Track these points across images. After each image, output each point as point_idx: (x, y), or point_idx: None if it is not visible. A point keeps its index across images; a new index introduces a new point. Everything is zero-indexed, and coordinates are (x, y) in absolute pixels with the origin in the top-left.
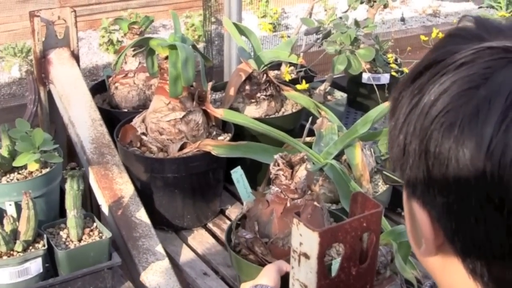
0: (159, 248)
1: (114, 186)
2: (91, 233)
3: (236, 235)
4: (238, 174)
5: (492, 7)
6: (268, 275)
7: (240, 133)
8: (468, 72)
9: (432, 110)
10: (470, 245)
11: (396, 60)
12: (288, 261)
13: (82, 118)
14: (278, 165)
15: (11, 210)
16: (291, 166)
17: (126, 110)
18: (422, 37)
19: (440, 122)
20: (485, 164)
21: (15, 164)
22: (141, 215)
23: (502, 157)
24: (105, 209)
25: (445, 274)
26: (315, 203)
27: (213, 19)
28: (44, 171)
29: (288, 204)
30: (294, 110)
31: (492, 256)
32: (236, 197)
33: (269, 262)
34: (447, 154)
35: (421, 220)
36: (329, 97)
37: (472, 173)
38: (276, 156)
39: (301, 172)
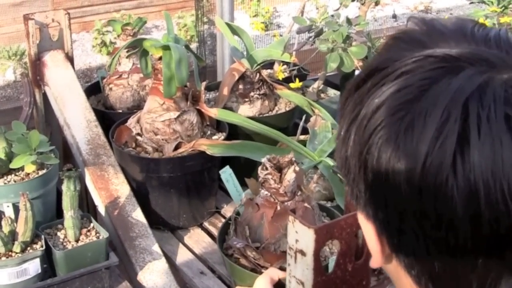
0: (156, 248)
1: (110, 186)
2: (88, 233)
3: (227, 243)
4: (227, 174)
5: (484, 2)
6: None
7: (234, 132)
8: (407, 82)
9: (370, 123)
10: (413, 260)
11: None
12: (280, 267)
13: (78, 120)
14: (266, 168)
15: (8, 212)
16: (279, 169)
17: (120, 111)
18: None
19: (377, 137)
20: (420, 182)
21: (12, 166)
22: (138, 215)
23: (437, 175)
24: (101, 209)
25: (398, 281)
26: (306, 204)
27: (205, 19)
28: (40, 172)
29: (278, 208)
30: (287, 109)
31: (435, 271)
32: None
33: (262, 267)
34: (384, 170)
35: (366, 232)
36: (322, 95)
37: (408, 191)
38: (263, 160)
39: (289, 175)
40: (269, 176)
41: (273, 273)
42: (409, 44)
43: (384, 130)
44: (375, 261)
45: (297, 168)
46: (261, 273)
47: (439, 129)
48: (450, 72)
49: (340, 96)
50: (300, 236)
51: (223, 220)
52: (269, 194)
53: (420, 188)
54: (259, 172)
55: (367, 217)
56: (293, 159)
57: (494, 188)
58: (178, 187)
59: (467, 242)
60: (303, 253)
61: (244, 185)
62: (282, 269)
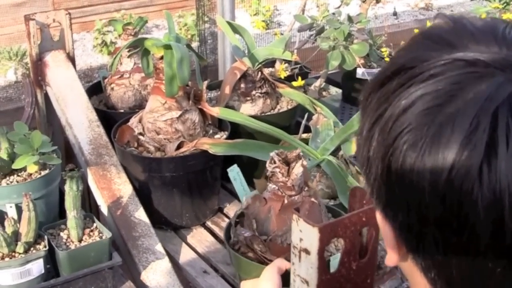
0: (159, 247)
1: (112, 186)
2: (91, 233)
3: (235, 233)
4: (234, 172)
5: None
6: (269, 278)
7: (236, 131)
8: (436, 87)
9: (395, 126)
10: (431, 264)
11: (390, 54)
12: (287, 258)
13: (79, 120)
14: (274, 162)
15: (11, 212)
16: (287, 163)
17: (122, 110)
18: (416, 31)
19: (403, 140)
20: (445, 189)
21: (14, 166)
22: (140, 214)
23: (463, 184)
24: (104, 209)
25: (413, 280)
26: (313, 199)
27: (206, 18)
28: (43, 172)
29: (286, 201)
30: (289, 107)
31: (452, 276)
32: (234, 195)
33: (269, 260)
34: (408, 175)
35: (384, 231)
36: (324, 93)
37: (432, 197)
38: (272, 154)
39: (297, 169)
40: (277, 170)
41: (281, 263)
42: (438, 43)
43: (410, 134)
44: (391, 260)
45: (304, 163)
46: (267, 265)
47: (468, 137)
48: (480, 78)
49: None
50: (304, 234)
51: (226, 220)
52: (276, 187)
53: (444, 194)
54: (267, 166)
55: (386, 217)
56: (301, 154)
57: None
58: (181, 186)
59: (487, 251)
60: (307, 252)
61: (249, 184)
62: (289, 261)
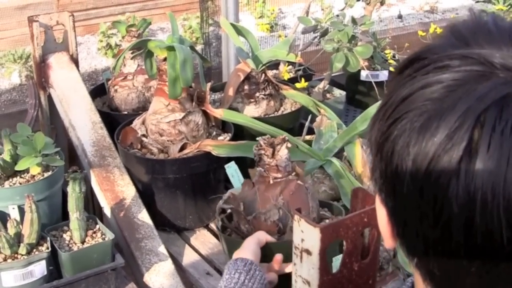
0: (162, 249)
1: (115, 188)
2: (94, 235)
3: (218, 210)
4: (232, 169)
5: (489, 1)
6: (248, 247)
7: (239, 133)
8: (436, 80)
9: (393, 113)
10: (413, 252)
11: (394, 56)
12: (269, 233)
13: (83, 121)
14: (261, 146)
15: (14, 214)
16: (273, 146)
17: (126, 112)
18: (420, 33)
19: (396, 128)
20: (423, 181)
21: (17, 168)
22: (143, 216)
23: (441, 178)
24: (107, 211)
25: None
26: (299, 182)
27: (210, 21)
28: (46, 174)
29: (271, 182)
30: (293, 109)
31: (431, 269)
32: None
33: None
34: (394, 162)
35: (379, 214)
36: (328, 95)
37: (412, 187)
38: (258, 138)
39: (282, 151)
40: (262, 152)
41: (261, 235)
42: (456, 38)
43: (402, 123)
44: (387, 243)
45: (289, 145)
46: None
47: (451, 133)
48: (481, 77)
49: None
50: (306, 235)
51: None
52: (263, 170)
53: (422, 186)
54: (253, 150)
55: (381, 201)
56: (286, 138)
57: (491, 203)
58: (184, 188)
59: (460, 248)
60: (309, 253)
61: None
62: (271, 234)
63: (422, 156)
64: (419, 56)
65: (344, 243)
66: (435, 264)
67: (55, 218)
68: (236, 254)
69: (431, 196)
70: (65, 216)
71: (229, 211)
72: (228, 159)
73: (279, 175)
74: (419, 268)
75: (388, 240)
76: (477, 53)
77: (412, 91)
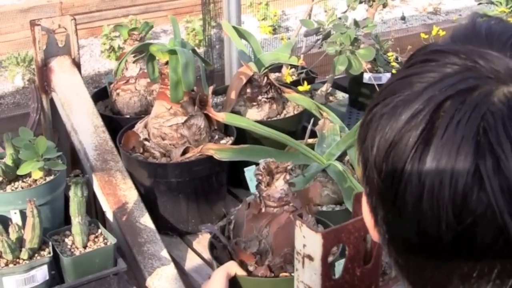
0: (164, 253)
1: (118, 192)
2: (96, 239)
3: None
4: (251, 173)
5: (492, 3)
6: (216, 281)
7: (242, 136)
8: (416, 71)
9: (373, 100)
10: (384, 242)
11: (397, 59)
12: (246, 263)
13: (85, 125)
14: (259, 170)
15: (16, 218)
16: (271, 174)
17: (128, 116)
18: (423, 35)
19: (371, 113)
20: (382, 165)
21: (19, 172)
22: (146, 220)
23: (398, 163)
24: (109, 215)
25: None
26: (291, 216)
27: (213, 23)
28: (48, 178)
29: (263, 210)
30: (295, 112)
31: (398, 261)
32: (240, 200)
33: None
34: (366, 146)
35: (364, 205)
36: (330, 98)
37: (374, 171)
38: (260, 161)
39: (279, 182)
40: (260, 177)
41: (230, 267)
42: (452, 40)
43: (375, 108)
44: (372, 235)
45: (287, 177)
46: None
47: (409, 120)
48: (458, 73)
49: None
50: (308, 241)
51: None
52: (258, 195)
53: (381, 169)
54: (255, 171)
55: (365, 192)
56: (289, 167)
57: (437, 191)
58: (186, 192)
59: (411, 238)
60: (310, 258)
61: None
62: (247, 264)
63: (383, 141)
64: (415, 52)
65: (346, 248)
66: (400, 258)
67: (57, 223)
68: (204, 287)
69: (389, 181)
70: (67, 220)
71: (219, 224)
72: (231, 164)
73: (274, 204)
74: (392, 261)
75: (372, 232)
76: (458, 50)
77: (393, 80)
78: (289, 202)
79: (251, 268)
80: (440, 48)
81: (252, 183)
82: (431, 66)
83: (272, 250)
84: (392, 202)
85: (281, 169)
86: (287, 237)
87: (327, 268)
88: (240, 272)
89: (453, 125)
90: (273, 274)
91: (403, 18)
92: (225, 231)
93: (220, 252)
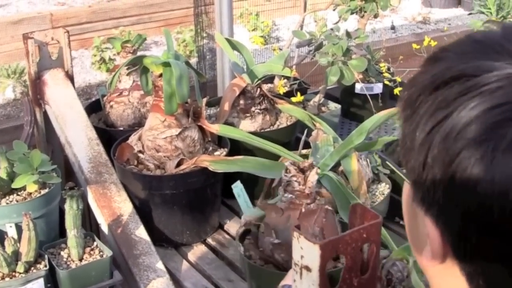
0: (160, 265)
1: (112, 204)
2: (91, 252)
3: (261, 243)
4: (238, 189)
5: (482, 12)
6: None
7: (236, 147)
8: (504, 99)
9: (462, 136)
10: (480, 271)
11: (388, 69)
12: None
13: (79, 138)
14: (290, 171)
15: (11, 232)
16: (303, 171)
17: (122, 128)
18: (414, 46)
19: (471, 150)
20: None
21: (14, 185)
22: (141, 232)
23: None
24: (104, 227)
25: (442, 284)
26: (327, 206)
27: (204, 34)
28: (43, 191)
29: (303, 210)
30: (289, 123)
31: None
32: (234, 212)
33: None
34: (474, 184)
35: (431, 235)
36: (323, 108)
37: (498, 209)
38: (287, 164)
39: (312, 177)
40: (294, 179)
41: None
42: (495, 51)
43: (481, 144)
44: (432, 261)
45: (319, 171)
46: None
47: None
48: None
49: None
50: (305, 252)
51: (227, 236)
52: (293, 196)
53: (503, 206)
54: (283, 176)
55: (436, 224)
56: (314, 162)
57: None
58: (181, 203)
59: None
60: (308, 269)
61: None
62: None
63: (510, 177)
64: (465, 74)
65: (344, 259)
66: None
67: (52, 236)
68: (284, 281)
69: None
70: (62, 233)
71: (274, 241)
72: (225, 175)
73: (309, 201)
74: (472, 277)
75: (437, 258)
76: None
77: (479, 111)
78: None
79: None
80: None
81: (240, 199)
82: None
83: None
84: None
85: (308, 165)
86: (332, 227)
87: (325, 279)
88: None
89: None
90: None
91: (393, 27)
92: (259, 244)
93: None
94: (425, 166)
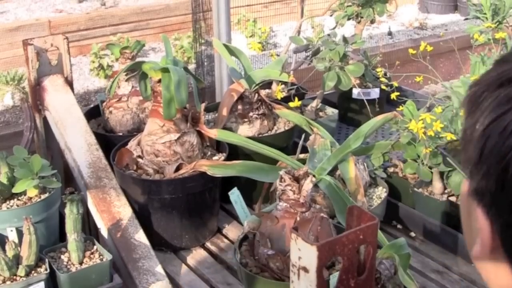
0: (159, 269)
1: (112, 209)
2: (91, 256)
3: (257, 252)
4: (235, 195)
5: (478, 18)
6: None
7: (234, 152)
8: None
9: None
10: None
11: (385, 74)
12: None
13: (78, 143)
14: (284, 180)
15: (12, 236)
16: (297, 180)
17: (121, 133)
18: (411, 51)
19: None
20: None
21: (14, 190)
22: (140, 236)
23: None
24: (104, 232)
25: (495, 278)
26: (322, 214)
27: (202, 40)
28: (43, 196)
29: (298, 218)
30: (286, 128)
31: None
32: (233, 216)
33: (286, 276)
34: None
35: (481, 226)
36: (320, 113)
37: None
38: (281, 173)
39: (307, 186)
40: (288, 188)
41: None
42: None
43: None
44: (480, 254)
45: (313, 179)
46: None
47: None
48: None
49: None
50: (303, 253)
51: (226, 240)
52: (288, 205)
53: None
54: (277, 185)
55: (487, 215)
56: (309, 170)
57: None
58: (180, 208)
59: None
60: (306, 270)
61: (248, 205)
62: None
63: None
64: None
65: (341, 260)
66: None
67: (52, 240)
68: None
69: None
70: (62, 237)
71: (268, 252)
72: (224, 179)
73: (304, 209)
74: None
75: (486, 251)
76: None
77: None
78: (312, 203)
79: None
80: None
81: (237, 206)
82: None
83: None
84: None
85: (302, 174)
86: (326, 235)
87: (322, 280)
88: None
89: None
90: None
91: (390, 33)
92: (255, 252)
93: None
94: (482, 156)
